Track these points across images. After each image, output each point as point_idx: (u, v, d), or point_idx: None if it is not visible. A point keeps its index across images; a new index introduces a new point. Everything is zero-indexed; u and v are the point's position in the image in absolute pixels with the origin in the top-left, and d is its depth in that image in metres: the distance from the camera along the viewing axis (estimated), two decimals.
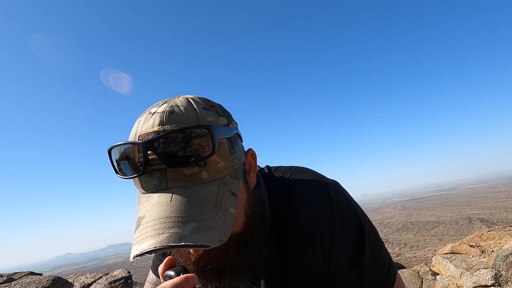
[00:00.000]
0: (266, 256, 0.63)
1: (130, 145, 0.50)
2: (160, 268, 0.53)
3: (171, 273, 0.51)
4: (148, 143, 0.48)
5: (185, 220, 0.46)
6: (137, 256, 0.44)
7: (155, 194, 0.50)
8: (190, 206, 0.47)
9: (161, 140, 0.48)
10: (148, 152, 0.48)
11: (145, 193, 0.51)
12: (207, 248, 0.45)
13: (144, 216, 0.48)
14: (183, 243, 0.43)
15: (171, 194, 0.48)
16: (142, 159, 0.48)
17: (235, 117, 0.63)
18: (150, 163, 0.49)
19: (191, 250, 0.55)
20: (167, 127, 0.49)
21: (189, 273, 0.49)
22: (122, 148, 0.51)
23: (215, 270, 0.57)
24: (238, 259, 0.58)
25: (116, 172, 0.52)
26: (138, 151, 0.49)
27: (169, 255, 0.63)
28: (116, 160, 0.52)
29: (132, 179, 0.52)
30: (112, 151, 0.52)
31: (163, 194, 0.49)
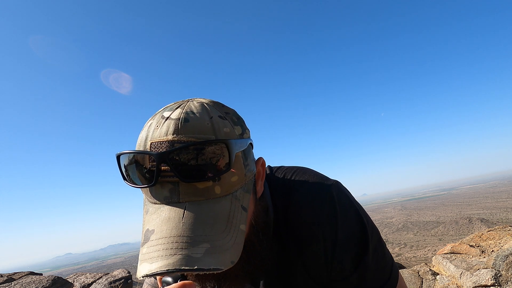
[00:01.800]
0: (268, 265, 0.62)
1: (143, 155, 0.47)
2: None
3: (169, 279, 0.50)
4: (162, 156, 0.45)
5: (197, 240, 0.44)
6: (147, 276, 0.43)
7: (165, 206, 0.47)
8: (202, 224, 0.45)
9: (177, 152, 0.45)
10: (163, 164, 0.46)
11: (154, 203, 0.49)
12: (219, 271, 0.44)
13: (153, 230, 0.46)
14: (196, 267, 0.43)
15: (183, 210, 0.46)
16: (154, 169, 0.46)
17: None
18: (162, 174, 0.46)
19: None
20: (182, 137, 0.46)
21: (187, 279, 0.48)
22: (132, 155, 0.49)
23: (214, 277, 0.56)
24: (239, 268, 0.56)
25: (125, 179, 0.50)
26: (150, 160, 0.47)
27: None
28: (125, 166, 0.50)
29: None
30: (121, 157, 0.50)
31: (174, 208, 0.46)
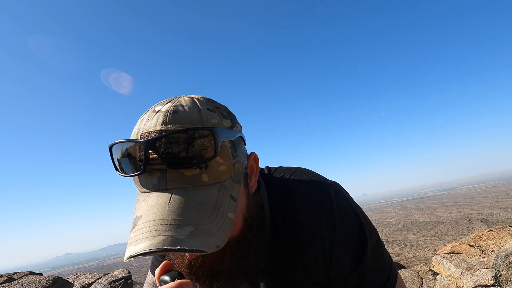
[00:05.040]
0: (264, 263, 0.62)
1: (132, 143, 0.49)
2: (156, 272, 0.53)
3: (166, 278, 0.51)
4: (150, 142, 0.47)
5: (182, 223, 0.45)
6: (131, 257, 0.44)
7: (153, 194, 0.49)
8: (188, 209, 0.47)
9: (163, 140, 0.47)
10: (149, 151, 0.48)
11: (144, 192, 0.51)
12: (203, 254, 0.44)
13: (141, 216, 0.48)
14: (178, 247, 0.43)
15: (170, 195, 0.48)
16: (143, 157, 0.48)
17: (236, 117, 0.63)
18: (150, 162, 0.48)
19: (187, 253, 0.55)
20: (170, 126, 0.48)
21: (184, 278, 0.49)
22: (124, 146, 0.51)
23: (208, 274, 0.56)
24: (233, 265, 0.57)
25: (116, 169, 0.52)
26: (139, 150, 0.49)
27: (166, 257, 0.63)
28: (117, 157, 0.52)
29: (131, 177, 0.51)
30: (113, 148, 0.52)
31: (161, 194, 0.48)
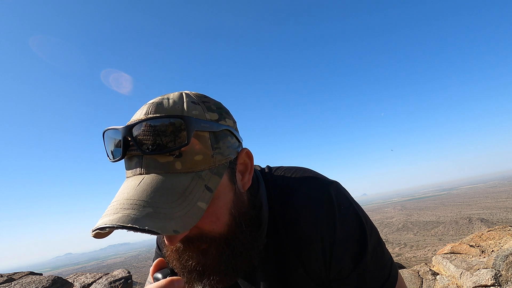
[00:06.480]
0: (255, 261, 0.61)
1: (117, 130, 0.52)
2: (150, 269, 0.55)
3: (159, 275, 0.53)
4: (126, 129, 0.50)
5: (143, 204, 0.46)
6: (93, 231, 0.46)
7: (130, 178, 0.52)
8: (153, 193, 0.48)
9: (141, 128, 0.50)
10: (128, 138, 0.51)
11: (127, 177, 0.53)
12: (160, 235, 0.45)
13: (114, 197, 0.51)
14: (130, 225, 0.43)
15: (141, 179, 0.50)
16: (121, 143, 0.51)
17: (234, 115, 0.63)
18: (130, 148, 0.51)
19: (166, 241, 0.55)
20: (150, 116, 0.51)
21: (176, 275, 0.50)
22: (112, 134, 0.54)
23: (195, 269, 0.57)
24: (221, 261, 0.57)
25: (107, 155, 0.55)
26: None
27: (163, 254, 0.65)
28: (107, 143, 0.56)
29: (116, 162, 0.55)
30: (105, 135, 0.55)
31: (135, 178, 0.51)
